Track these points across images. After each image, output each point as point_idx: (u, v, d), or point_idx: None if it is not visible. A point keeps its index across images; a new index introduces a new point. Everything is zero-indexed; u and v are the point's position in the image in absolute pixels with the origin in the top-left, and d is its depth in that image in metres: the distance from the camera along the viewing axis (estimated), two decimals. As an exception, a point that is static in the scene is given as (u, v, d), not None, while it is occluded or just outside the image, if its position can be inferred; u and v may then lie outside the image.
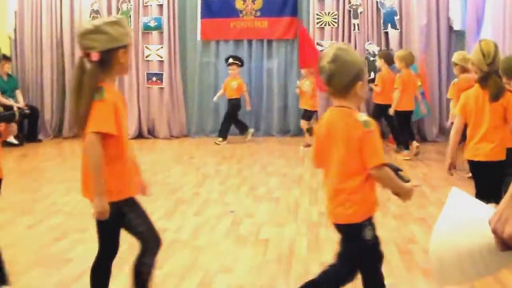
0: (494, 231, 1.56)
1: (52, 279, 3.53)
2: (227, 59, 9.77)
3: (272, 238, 4.36)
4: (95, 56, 2.70)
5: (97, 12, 10.42)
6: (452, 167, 4.07)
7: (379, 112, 8.51)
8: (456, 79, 6.79)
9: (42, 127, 10.36)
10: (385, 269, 3.67)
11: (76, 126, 2.86)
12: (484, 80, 3.96)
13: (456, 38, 9.62)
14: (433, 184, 6.33)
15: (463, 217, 1.74)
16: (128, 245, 4.17)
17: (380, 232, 4.44)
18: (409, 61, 8.19)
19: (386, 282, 3.08)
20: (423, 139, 9.35)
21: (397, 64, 8.33)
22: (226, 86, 9.62)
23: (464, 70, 6.40)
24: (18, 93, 9.91)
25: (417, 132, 9.60)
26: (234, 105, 9.58)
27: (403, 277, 3.59)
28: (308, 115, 9.03)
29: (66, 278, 3.54)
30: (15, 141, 9.12)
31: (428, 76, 9.22)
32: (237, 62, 9.67)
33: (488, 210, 1.70)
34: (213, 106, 10.46)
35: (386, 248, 4.10)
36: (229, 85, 9.57)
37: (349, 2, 9.99)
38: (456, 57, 6.78)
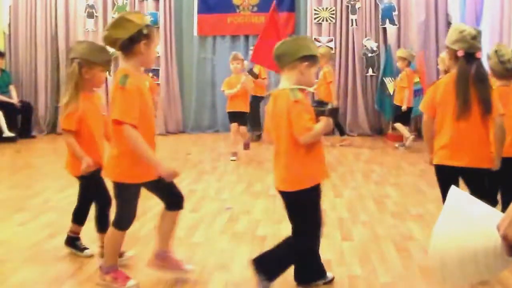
0: (505, 237, 1.54)
1: (47, 276, 3.48)
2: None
3: (269, 235, 4.31)
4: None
5: (92, 7, 10.38)
6: None
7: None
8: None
9: (36, 123, 10.30)
10: (382, 266, 3.65)
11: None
12: None
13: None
14: (431, 181, 6.28)
15: (465, 217, 1.72)
16: (125, 241, 4.14)
17: (378, 229, 4.45)
18: (410, 59, 8.47)
19: (328, 274, 3.34)
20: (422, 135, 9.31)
21: (399, 63, 8.62)
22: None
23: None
24: (12, 89, 9.84)
25: (416, 128, 9.58)
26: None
27: (401, 274, 3.55)
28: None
29: (60, 275, 3.50)
30: (11, 134, 9.08)
31: (426, 73, 9.17)
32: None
33: (489, 210, 1.70)
34: (210, 102, 10.42)
35: (384, 245, 4.08)
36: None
37: (347, -3, 9.98)
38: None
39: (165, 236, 3.50)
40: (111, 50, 3.40)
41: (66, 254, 3.88)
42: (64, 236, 4.01)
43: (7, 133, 9.09)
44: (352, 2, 10.01)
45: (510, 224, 1.53)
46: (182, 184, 6.09)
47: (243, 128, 7.86)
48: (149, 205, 5.18)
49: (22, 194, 5.68)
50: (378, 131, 10.19)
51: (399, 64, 8.67)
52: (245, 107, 7.79)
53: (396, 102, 8.81)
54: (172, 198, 3.45)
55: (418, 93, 8.86)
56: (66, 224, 4.63)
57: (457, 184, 3.43)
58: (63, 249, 3.97)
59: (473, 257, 1.67)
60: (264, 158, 7.76)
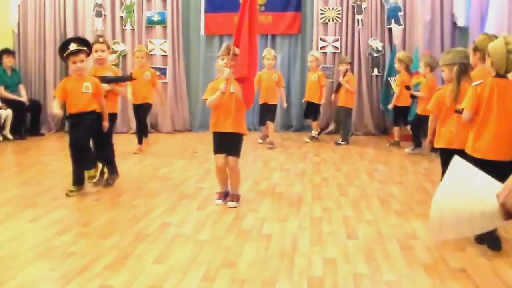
0: (503, 204, 1.78)
1: (55, 273, 3.53)
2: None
3: (275, 233, 4.35)
4: None
5: (100, 6, 10.43)
6: None
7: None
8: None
9: (44, 121, 10.39)
10: (387, 264, 3.70)
11: None
12: None
13: (460, 34, 9.58)
14: (435, 179, 6.32)
15: (466, 183, 1.96)
16: (132, 239, 4.20)
17: (382, 228, 4.50)
18: (435, 66, 8.30)
19: None
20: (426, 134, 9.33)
21: (397, 65, 8.77)
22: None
23: None
24: (22, 88, 9.93)
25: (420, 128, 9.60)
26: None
27: (405, 273, 3.58)
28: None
29: (69, 271, 3.54)
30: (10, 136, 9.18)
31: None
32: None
33: (489, 180, 1.92)
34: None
35: (388, 243, 4.12)
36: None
37: (353, -2, 10.00)
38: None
39: None
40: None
41: (75, 251, 3.93)
42: (73, 233, 4.06)
43: (7, 134, 9.19)
44: (358, 2, 10.03)
45: (509, 194, 1.76)
46: (189, 182, 6.16)
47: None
48: (155, 203, 5.26)
49: (31, 191, 5.74)
50: (383, 131, 10.22)
51: (396, 65, 8.83)
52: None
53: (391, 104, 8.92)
54: None
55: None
56: (75, 221, 4.71)
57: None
58: (72, 246, 4.03)
59: (469, 218, 1.90)
60: (270, 157, 7.80)
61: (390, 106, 8.91)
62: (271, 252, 3.94)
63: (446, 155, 4.49)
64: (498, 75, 4.03)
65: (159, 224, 4.60)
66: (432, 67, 8.00)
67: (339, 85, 9.15)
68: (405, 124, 8.97)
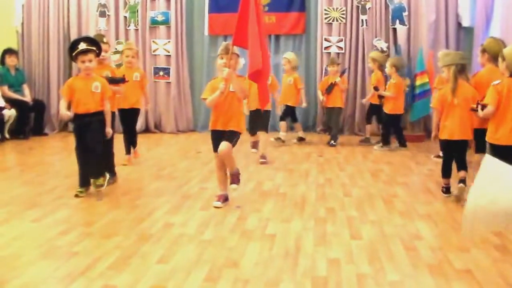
0: None
1: (59, 273, 3.52)
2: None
3: (279, 233, 4.35)
4: None
5: (104, 6, 10.44)
6: None
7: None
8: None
9: (48, 121, 10.39)
10: (391, 264, 3.68)
11: None
12: None
13: (465, 34, 9.55)
14: (439, 180, 6.30)
15: (498, 179, 2.06)
16: (136, 239, 4.19)
17: (386, 228, 4.49)
18: (400, 67, 8.72)
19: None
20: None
21: (371, 64, 8.94)
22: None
23: None
24: (25, 87, 9.94)
25: (425, 128, 9.58)
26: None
27: (409, 273, 3.57)
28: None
29: (72, 271, 3.54)
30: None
31: (435, 73, 9.16)
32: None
33: None
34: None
35: (392, 244, 4.11)
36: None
37: (358, -2, 9.99)
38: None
39: None
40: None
41: (78, 251, 3.93)
42: (76, 232, 4.05)
43: (5, 134, 9.18)
44: (362, 3, 10.01)
45: None
46: (193, 182, 6.15)
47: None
48: (159, 203, 5.25)
49: (34, 191, 5.74)
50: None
51: (370, 65, 9.03)
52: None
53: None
54: None
55: (426, 94, 8.86)
56: (78, 221, 4.71)
57: None
58: (75, 245, 4.03)
59: (504, 211, 2.01)
60: (274, 157, 7.79)
61: (364, 101, 9.28)
62: (275, 252, 3.93)
63: (448, 146, 5.56)
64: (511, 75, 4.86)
65: (162, 224, 4.59)
66: (397, 67, 8.55)
67: (332, 86, 8.95)
68: (378, 122, 9.26)
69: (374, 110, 9.05)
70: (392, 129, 8.58)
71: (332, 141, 8.92)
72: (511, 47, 4.96)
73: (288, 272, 3.55)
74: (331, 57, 9.61)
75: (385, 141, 8.54)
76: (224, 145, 5.05)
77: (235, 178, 5.24)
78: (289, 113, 9.14)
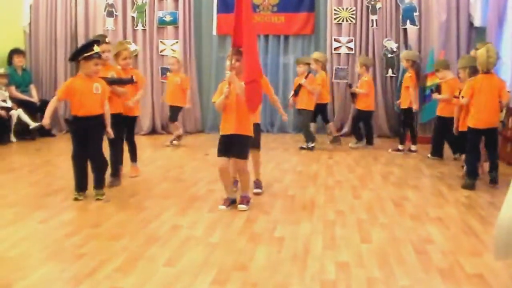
0: None
1: (65, 274, 3.50)
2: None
3: (287, 236, 4.30)
4: None
5: (112, 6, 10.42)
6: None
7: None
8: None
9: (55, 122, 10.36)
10: (401, 269, 3.62)
11: None
12: None
13: (476, 34, 9.44)
14: (450, 183, 6.24)
15: None
16: (143, 241, 4.16)
17: (397, 231, 4.43)
18: (370, 65, 9.14)
19: None
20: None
21: (359, 69, 9.02)
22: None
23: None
24: (32, 88, 9.92)
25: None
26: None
27: (420, 277, 3.52)
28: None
29: (79, 273, 3.51)
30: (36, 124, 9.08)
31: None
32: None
33: None
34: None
35: (403, 247, 4.05)
36: None
37: (367, -2, 9.93)
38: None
39: None
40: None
41: (85, 252, 3.90)
42: (83, 234, 4.02)
43: (33, 125, 9.14)
44: (372, 2, 9.95)
45: None
46: (201, 184, 6.11)
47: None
48: (166, 205, 5.21)
49: (42, 192, 5.72)
50: (398, 133, 10.09)
51: (313, 66, 8.95)
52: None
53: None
54: None
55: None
56: (85, 222, 4.68)
57: None
58: (82, 247, 4.00)
59: None
60: (282, 159, 7.75)
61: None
62: (283, 255, 3.88)
63: (473, 135, 6.12)
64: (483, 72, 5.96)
65: (170, 226, 4.55)
66: (367, 66, 8.90)
67: (299, 88, 8.68)
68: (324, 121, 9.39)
69: (319, 110, 9.09)
70: (363, 125, 8.98)
71: (304, 145, 8.62)
72: (480, 50, 5.95)
73: (297, 276, 3.50)
74: (296, 58, 9.55)
75: (358, 137, 8.98)
76: (240, 163, 5.10)
77: (245, 200, 5.18)
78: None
